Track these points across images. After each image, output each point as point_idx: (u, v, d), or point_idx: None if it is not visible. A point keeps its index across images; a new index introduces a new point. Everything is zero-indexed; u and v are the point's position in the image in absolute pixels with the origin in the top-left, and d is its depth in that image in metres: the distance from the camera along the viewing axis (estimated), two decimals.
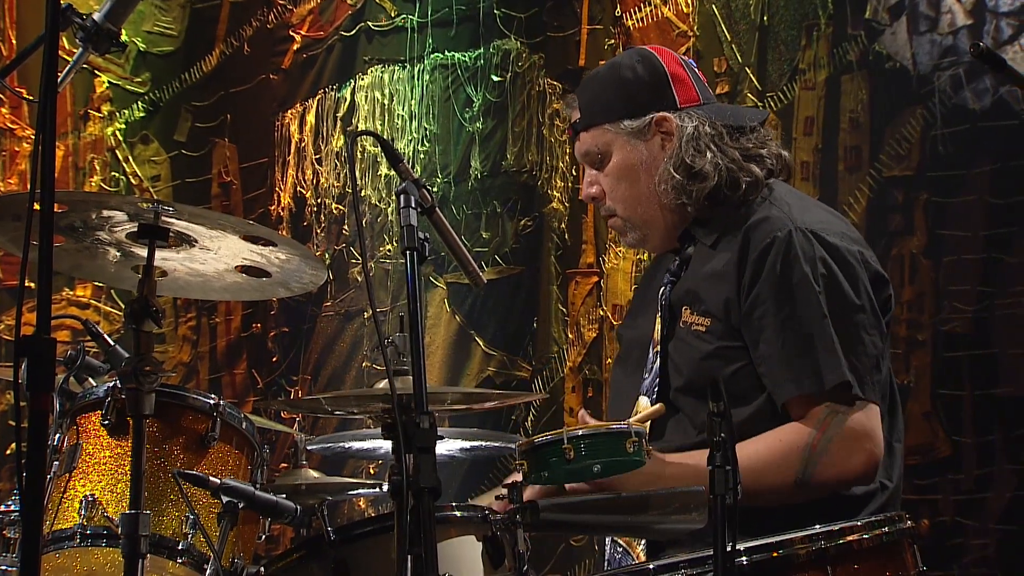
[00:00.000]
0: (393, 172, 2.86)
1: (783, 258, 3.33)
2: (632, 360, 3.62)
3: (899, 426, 3.47)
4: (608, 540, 3.63)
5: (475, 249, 5.75)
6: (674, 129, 3.51)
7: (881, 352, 3.38)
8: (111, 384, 3.49)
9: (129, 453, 3.02)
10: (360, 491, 4.40)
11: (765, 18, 5.32)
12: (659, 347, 3.50)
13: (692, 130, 3.49)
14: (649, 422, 3.45)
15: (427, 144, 6.01)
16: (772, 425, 3.32)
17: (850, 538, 2.88)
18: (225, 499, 3.16)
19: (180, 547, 3.41)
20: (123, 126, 6.47)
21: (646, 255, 5.43)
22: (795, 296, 3.32)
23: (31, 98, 5.79)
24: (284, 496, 3.20)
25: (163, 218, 2.95)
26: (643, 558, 3.46)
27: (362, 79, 6.20)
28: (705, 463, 2.62)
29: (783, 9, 5.30)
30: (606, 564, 3.63)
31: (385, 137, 3.28)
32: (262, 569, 3.05)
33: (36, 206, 2.28)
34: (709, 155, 3.46)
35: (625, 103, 3.54)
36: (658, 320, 3.53)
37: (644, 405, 3.49)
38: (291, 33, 6.40)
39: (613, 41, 5.62)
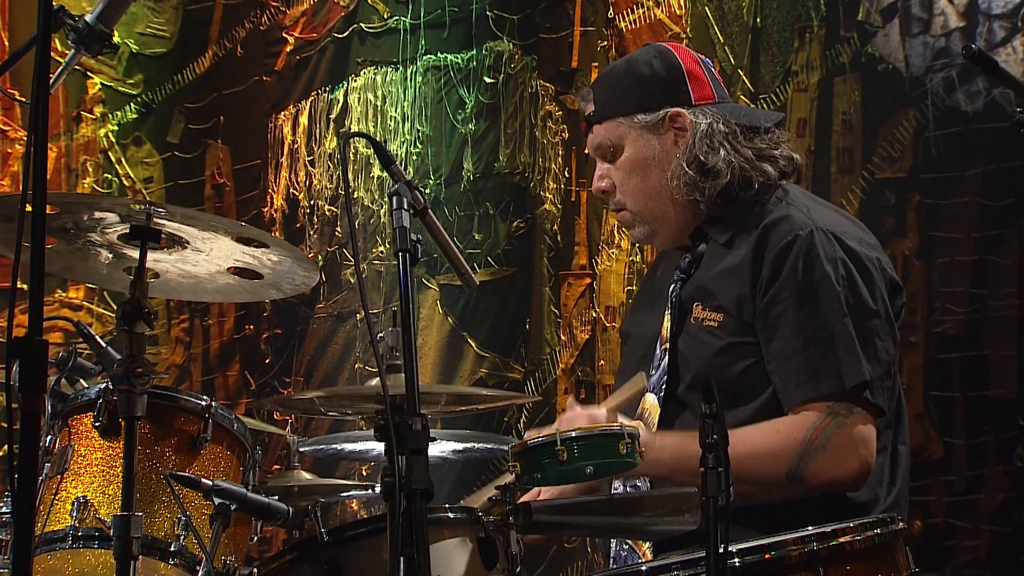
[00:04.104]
0: (386, 174, 2.84)
1: (805, 257, 3.33)
2: (636, 358, 3.62)
3: (904, 430, 3.47)
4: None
5: (467, 251, 5.75)
6: (688, 125, 3.50)
7: (892, 359, 3.37)
8: (103, 386, 3.49)
9: (121, 455, 3.01)
10: (352, 493, 4.40)
11: (758, 20, 5.33)
12: (668, 344, 3.49)
13: (706, 127, 3.49)
14: (657, 416, 3.43)
15: (420, 146, 6.01)
16: None
17: (842, 539, 2.88)
18: (217, 501, 3.15)
19: (172, 549, 3.41)
20: (116, 128, 6.46)
21: (639, 257, 5.44)
22: (817, 295, 3.31)
23: (23, 99, 5.78)
24: (276, 498, 3.19)
25: (155, 220, 2.94)
26: (649, 556, 3.46)
27: (355, 81, 6.20)
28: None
29: (776, 11, 5.30)
30: (611, 562, 3.63)
31: (378, 139, 3.28)
32: (255, 571, 3.05)
33: (28, 207, 2.28)
34: (723, 153, 3.46)
35: (639, 97, 3.54)
36: (667, 317, 3.52)
37: (651, 403, 3.48)
38: (284, 35, 6.40)
39: (606, 43, 5.62)
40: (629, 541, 3.52)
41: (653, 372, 3.52)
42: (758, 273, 3.36)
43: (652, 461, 3.19)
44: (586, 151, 3.72)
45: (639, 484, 3.48)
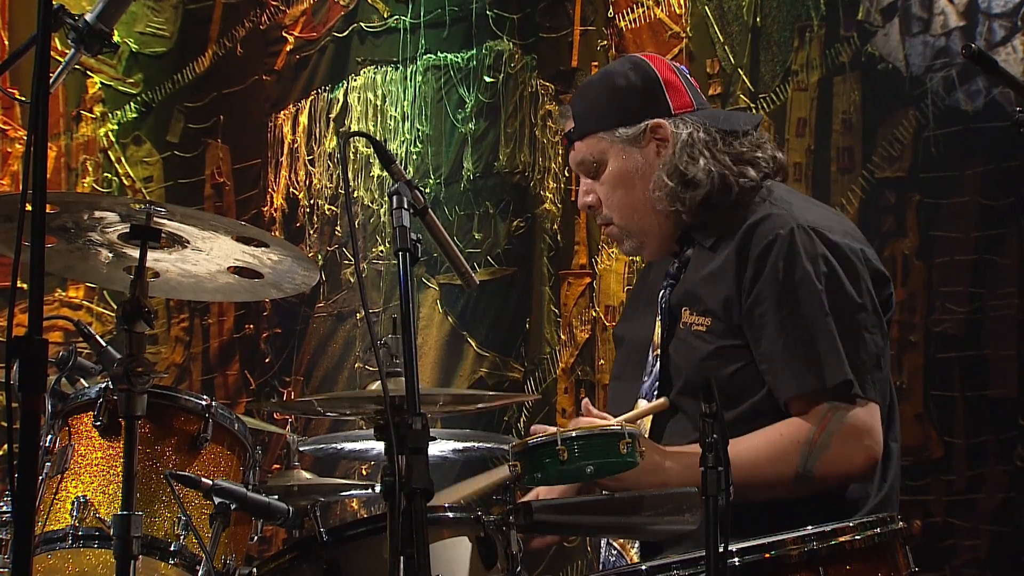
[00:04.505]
0: (386, 173, 2.85)
1: (785, 255, 3.33)
2: (630, 364, 3.62)
3: (896, 426, 3.48)
4: (603, 543, 3.62)
5: (467, 250, 5.75)
6: (669, 135, 3.50)
7: (881, 351, 3.38)
8: (103, 385, 3.49)
9: (121, 454, 3.01)
10: (352, 492, 4.40)
11: (758, 19, 5.33)
12: (659, 350, 3.50)
13: (687, 136, 3.49)
14: (649, 421, 3.45)
15: (419, 145, 6.01)
16: (771, 422, 3.33)
17: (842, 539, 2.88)
18: (217, 500, 3.16)
19: (172, 548, 3.41)
20: (115, 127, 6.46)
21: (639, 256, 5.44)
22: (797, 294, 3.32)
23: (23, 99, 5.78)
24: (276, 497, 3.20)
25: (155, 219, 2.94)
26: (636, 559, 3.46)
27: (355, 80, 6.20)
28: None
29: (776, 10, 5.30)
30: (600, 567, 3.63)
31: (378, 138, 3.28)
32: (254, 570, 3.05)
33: (28, 207, 2.28)
34: (702, 162, 3.46)
35: (619, 111, 3.54)
36: (658, 323, 3.53)
37: (643, 407, 3.49)
38: (284, 34, 6.40)
39: (606, 42, 5.62)
40: (617, 546, 3.53)
41: (645, 378, 3.54)
42: (742, 273, 3.37)
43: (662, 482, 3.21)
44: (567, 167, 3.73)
45: None
